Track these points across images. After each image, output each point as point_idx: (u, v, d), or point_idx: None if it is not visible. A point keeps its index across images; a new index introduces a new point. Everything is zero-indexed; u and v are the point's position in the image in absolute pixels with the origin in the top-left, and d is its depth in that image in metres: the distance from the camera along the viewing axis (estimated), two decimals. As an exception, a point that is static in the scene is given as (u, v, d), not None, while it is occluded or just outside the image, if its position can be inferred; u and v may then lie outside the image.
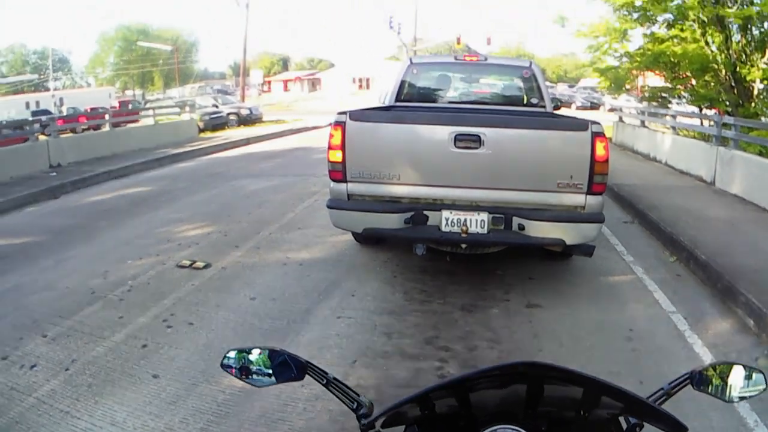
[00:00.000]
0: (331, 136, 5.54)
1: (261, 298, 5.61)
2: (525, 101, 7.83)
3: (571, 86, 73.72)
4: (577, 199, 5.20)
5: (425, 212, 5.36)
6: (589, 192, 5.15)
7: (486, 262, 6.41)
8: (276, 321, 5.09)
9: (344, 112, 5.59)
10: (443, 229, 5.28)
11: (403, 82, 7.77)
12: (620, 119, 20.11)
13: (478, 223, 5.22)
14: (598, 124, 5.18)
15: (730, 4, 14.84)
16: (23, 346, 4.75)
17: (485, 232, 5.23)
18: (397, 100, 7.69)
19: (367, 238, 6.59)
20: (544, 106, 7.51)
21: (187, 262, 6.69)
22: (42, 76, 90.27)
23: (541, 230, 5.20)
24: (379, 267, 6.55)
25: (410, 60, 8.36)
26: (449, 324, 5.03)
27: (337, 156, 5.53)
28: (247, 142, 21.53)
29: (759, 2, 13.66)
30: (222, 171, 14.27)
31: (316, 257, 6.86)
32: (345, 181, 5.56)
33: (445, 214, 5.28)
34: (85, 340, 4.81)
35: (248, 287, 5.91)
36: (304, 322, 5.04)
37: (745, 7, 14.32)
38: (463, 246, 5.43)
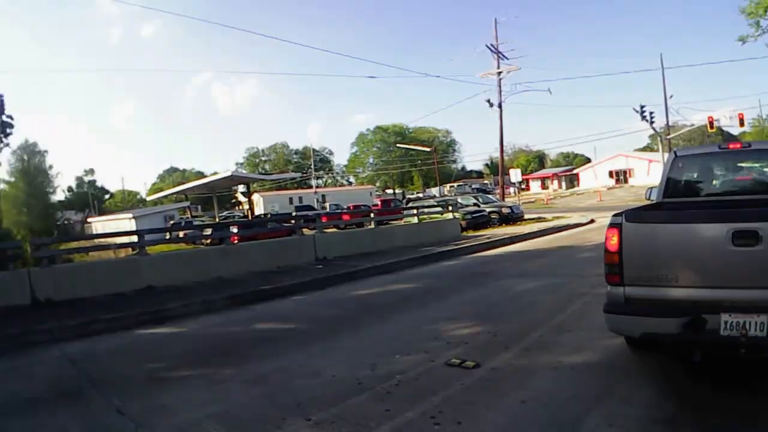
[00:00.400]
0: (608, 238, 5.71)
1: (531, 402, 5.46)
2: None
3: None
4: None
5: (703, 316, 5.21)
6: None
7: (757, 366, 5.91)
8: (546, 427, 4.93)
9: (620, 214, 5.76)
10: (722, 333, 5.08)
11: (669, 178, 7.92)
12: None
13: (757, 325, 4.97)
14: None
15: None
16: (286, 427, 5.07)
17: (765, 335, 4.95)
18: (665, 195, 7.84)
19: (640, 343, 6.42)
20: None
21: (457, 361, 6.73)
22: (304, 174, 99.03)
23: None
24: (652, 373, 6.17)
25: (675, 153, 8.38)
26: None
27: (614, 258, 5.67)
28: (511, 240, 21.72)
29: None
30: (488, 270, 14.46)
31: (587, 361, 6.60)
32: (622, 284, 5.66)
33: (724, 317, 5.08)
34: (349, 428, 4.98)
35: (518, 390, 5.79)
36: (575, 430, 4.83)
37: None
38: (742, 351, 5.12)
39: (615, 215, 5.76)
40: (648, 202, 8.31)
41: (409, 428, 4.93)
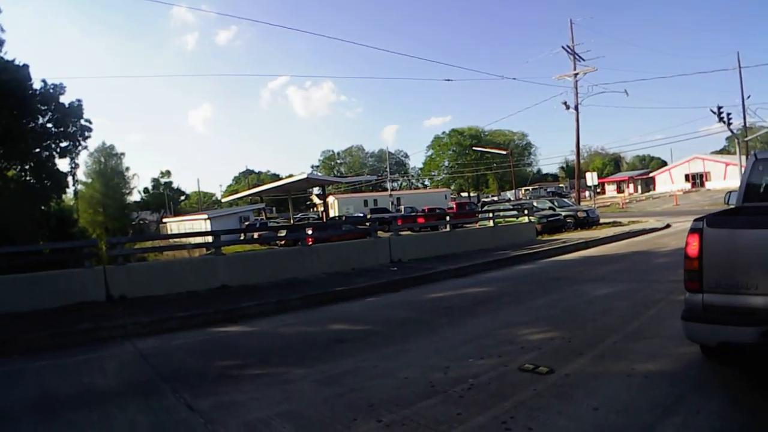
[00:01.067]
0: (688, 243, 5.62)
1: (603, 409, 5.34)
2: None
3: None
4: None
5: None
6: None
7: None
8: None
9: (701, 218, 5.65)
10: None
11: (750, 181, 7.70)
12: None
13: None
14: None
15: None
16: (356, 428, 5.08)
17: None
18: (745, 200, 7.61)
19: (716, 352, 6.19)
20: None
21: (530, 366, 6.64)
22: (380, 177, 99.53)
23: None
24: (726, 383, 5.98)
25: (755, 156, 8.03)
26: None
27: (693, 264, 5.58)
28: (586, 245, 21.39)
29: None
30: (563, 274, 14.27)
31: (662, 369, 6.43)
32: (701, 291, 5.55)
33: None
34: (421, 431, 4.94)
35: (591, 397, 5.67)
36: None
37: None
38: None
39: (696, 220, 5.64)
40: (727, 207, 8.03)
41: (480, 432, 4.89)
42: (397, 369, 6.83)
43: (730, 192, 8.42)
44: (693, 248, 5.55)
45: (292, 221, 49.16)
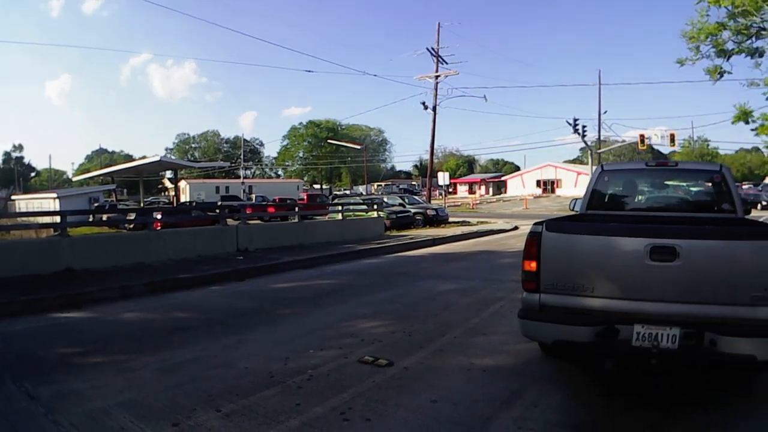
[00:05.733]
0: (527, 246, 5.89)
1: (442, 402, 5.52)
2: (716, 207, 7.89)
3: (756, 185, 71.25)
4: None
5: (616, 326, 5.43)
6: None
7: (674, 379, 6.22)
8: (455, 426, 4.97)
9: (540, 222, 5.93)
10: (634, 343, 5.29)
11: (594, 190, 8.22)
12: None
13: (669, 338, 5.20)
14: None
15: None
16: (196, 417, 5.05)
17: (676, 347, 5.18)
18: (589, 207, 8.10)
19: (555, 350, 6.58)
20: (735, 212, 7.55)
21: (370, 359, 6.79)
22: (233, 164, 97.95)
23: (732, 346, 5.04)
24: (564, 378, 6.36)
25: (602, 167, 8.69)
26: None
27: (531, 266, 5.84)
28: (433, 242, 22.00)
29: None
30: (408, 270, 14.64)
31: (500, 364, 6.73)
32: (538, 291, 5.81)
33: (637, 328, 5.30)
34: (259, 421, 4.98)
35: (430, 389, 5.86)
36: (484, 430, 4.92)
37: None
38: (653, 362, 5.38)
39: (536, 224, 5.92)
40: (571, 213, 8.55)
41: (318, 423, 4.94)
42: (238, 359, 6.82)
43: (576, 199, 8.85)
44: (531, 250, 5.83)
45: (142, 204, 47.55)
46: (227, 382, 5.98)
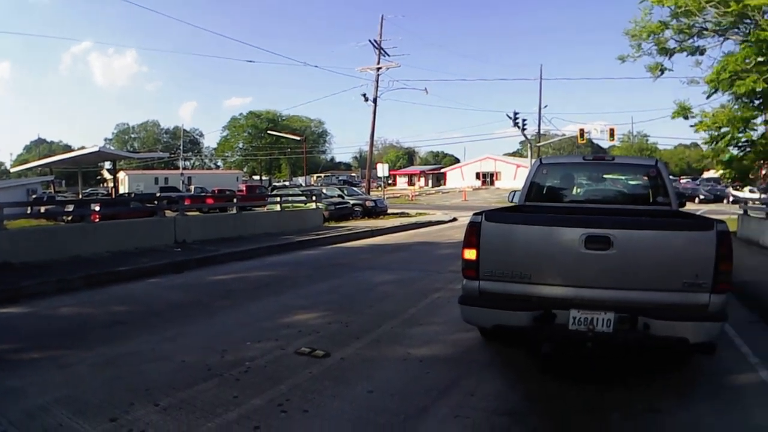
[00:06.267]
0: (467, 235, 6.05)
1: (379, 392, 5.55)
2: (651, 200, 8.21)
3: (694, 179, 73.94)
4: (702, 297, 5.36)
5: (553, 311, 5.66)
6: (714, 291, 5.33)
7: (609, 363, 6.39)
8: (392, 416, 4.99)
9: (480, 213, 6.10)
10: (570, 327, 5.54)
11: (533, 183, 8.47)
12: (745, 212, 19.64)
13: (604, 322, 5.46)
14: (723, 223, 5.49)
15: None
16: (134, 411, 4.97)
17: (611, 331, 5.45)
18: (527, 199, 8.33)
19: (495, 335, 6.71)
20: (669, 205, 7.84)
21: (307, 350, 6.77)
22: (172, 155, 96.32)
23: (665, 329, 5.35)
24: (500, 367, 6.46)
25: (540, 160, 8.95)
26: (568, 428, 4.89)
27: (471, 255, 5.98)
28: (371, 234, 22.08)
29: None
30: (345, 261, 14.64)
31: (437, 354, 6.78)
32: (478, 278, 5.96)
33: (573, 313, 5.55)
34: (197, 414, 4.94)
35: (367, 380, 5.88)
36: (421, 420, 4.93)
37: None
38: (589, 345, 5.63)
39: (475, 214, 6.08)
40: (510, 204, 8.72)
41: (256, 415, 4.92)
42: (175, 352, 6.73)
43: (515, 191, 9.00)
44: (471, 239, 5.97)
45: (80, 196, 46.43)
46: (165, 376, 5.90)
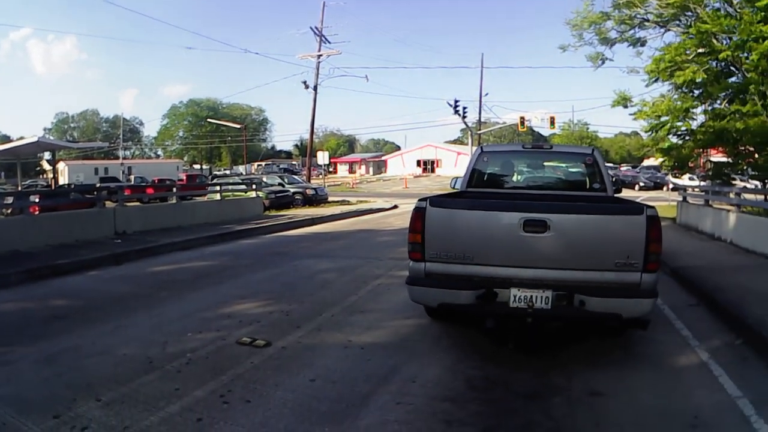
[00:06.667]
0: (412, 220, 6.28)
1: (320, 380, 5.59)
2: (587, 186, 8.63)
3: (634, 167, 75.18)
4: (633, 276, 5.75)
5: (495, 290, 6.01)
6: (645, 270, 5.73)
7: (549, 348, 6.58)
8: (334, 404, 5.05)
9: (425, 199, 6.35)
10: (511, 305, 5.91)
11: (474, 170, 8.77)
12: (684, 199, 20.18)
13: (542, 299, 5.85)
14: (653, 207, 5.85)
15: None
16: (76, 407, 4.90)
17: (549, 307, 5.84)
18: (469, 185, 8.66)
19: (440, 313, 7.02)
20: (605, 191, 8.25)
21: (248, 340, 6.78)
22: (112, 144, 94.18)
23: (599, 306, 5.74)
24: (441, 353, 6.50)
25: (481, 148, 9.21)
26: (510, 413, 4.94)
27: (417, 238, 6.24)
28: (312, 222, 22.04)
29: None
30: (286, 250, 14.60)
31: (378, 341, 6.84)
32: (423, 260, 6.23)
33: (514, 291, 5.92)
34: (140, 408, 4.91)
35: (308, 368, 5.91)
36: (363, 407, 4.99)
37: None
38: (529, 320, 5.96)
39: (420, 200, 6.33)
40: (452, 191, 8.92)
41: (198, 407, 4.93)
42: (116, 345, 6.65)
43: (457, 178, 9.34)
44: (416, 224, 6.22)
45: (20, 188, 45.11)
46: (107, 370, 5.84)
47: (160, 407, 4.92)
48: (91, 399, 5.09)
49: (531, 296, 5.85)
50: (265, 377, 5.68)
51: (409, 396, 5.21)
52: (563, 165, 9.67)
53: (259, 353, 6.38)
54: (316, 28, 43.48)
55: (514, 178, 9.30)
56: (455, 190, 8.86)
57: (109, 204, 18.45)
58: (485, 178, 8.87)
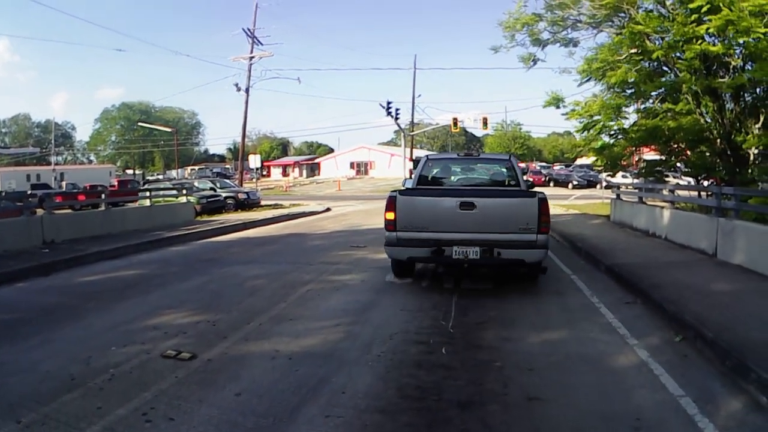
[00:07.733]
0: (388, 203, 9.23)
1: (247, 394, 5.30)
2: (506, 183, 11.39)
3: (567, 166, 76.41)
4: (531, 236, 8.82)
5: (443, 247, 8.96)
6: (539, 232, 8.79)
7: (482, 351, 6.52)
8: (261, 419, 4.81)
9: (395, 191, 9.47)
10: (454, 257, 8.92)
11: (421, 174, 11.28)
12: (618, 197, 20.38)
13: (473, 252, 8.87)
14: (543, 194, 9.07)
15: (721, 74, 15.33)
16: (-5, 432, 4.55)
17: (478, 257, 8.88)
18: (418, 184, 11.02)
19: (406, 266, 10.21)
20: (519, 186, 10.71)
21: (173, 353, 6.47)
22: (44, 150, 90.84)
23: (511, 255, 8.90)
24: (371, 362, 6.22)
25: (427, 157, 12.17)
26: (444, 422, 4.74)
27: (391, 216, 9.21)
28: (244, 226, 21.62)
29: (750, 69, 14.09)
30: (215, 256, 14.22)
31: (306, 351, 6.59)
32: (396, 230, 9.22)
33: (455, 248, 8.90)
34: (61, 430, 4.62)
35: (234, 381, 5.66)
36: (291, 421, 4.75)
37: (736, 75, 14.71)
38: (465, 265, 9.12)
39: (392, 191, 9.40)
40: (404, 189, 10.80)
41: (119, 427, 4.65)
42: (40, 361, 6.28)
43: (407, 179, 13.09)
44: (390, 206, 9.18)
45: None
46: (28, 389, 5.49)
47: (81, 428, 4.63)
48: (11, 421, 4.76)
49: (466, 251, 8.84)
50: (190, 392, 5.40)
51: (338, 408, 4.98)
52: (488, 167, 12.67)
53: (184, 366, 6.09)
54: (249, 29, 42.94)
55: (452, 178, 12.09)
56: (406, 188, 10.97)
57: (39, 212, 17.70)
58: (429, 179, 11.44)
